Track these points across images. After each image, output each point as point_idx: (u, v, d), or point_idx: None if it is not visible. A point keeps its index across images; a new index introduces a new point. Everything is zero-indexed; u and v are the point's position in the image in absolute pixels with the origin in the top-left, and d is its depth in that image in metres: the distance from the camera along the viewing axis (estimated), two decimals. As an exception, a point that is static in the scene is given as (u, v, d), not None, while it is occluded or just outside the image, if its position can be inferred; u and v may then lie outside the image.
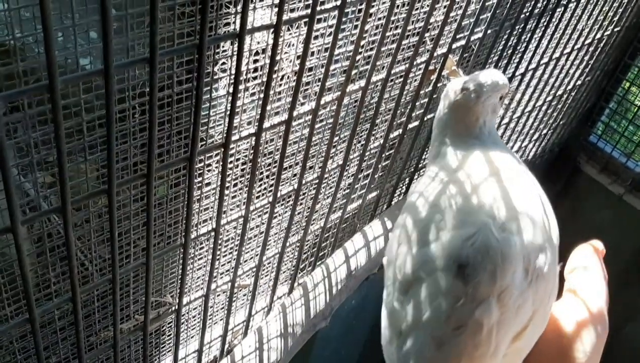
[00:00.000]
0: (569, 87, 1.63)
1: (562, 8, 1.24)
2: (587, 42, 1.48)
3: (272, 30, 0.66)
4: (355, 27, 0.87)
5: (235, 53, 0.65)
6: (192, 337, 1.09)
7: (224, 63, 0.76)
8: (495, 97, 0.55)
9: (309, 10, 0.68)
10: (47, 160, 0.75)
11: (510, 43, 1.19)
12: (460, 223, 0.40)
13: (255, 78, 0.81)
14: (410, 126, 1.10)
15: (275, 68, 0.78)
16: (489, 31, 1.08)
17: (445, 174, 0.45)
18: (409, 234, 0.43)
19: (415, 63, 0.97)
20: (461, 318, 0.38)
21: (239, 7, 0.61)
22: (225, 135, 0.70)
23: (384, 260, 0.47)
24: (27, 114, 0.59)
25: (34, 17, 0.62)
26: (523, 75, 1.33)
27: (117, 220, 0.85)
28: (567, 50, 1.43)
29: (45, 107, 0.63)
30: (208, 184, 0.88)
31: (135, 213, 0.84)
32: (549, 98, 1.57)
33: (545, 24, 1.24)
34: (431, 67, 1.03)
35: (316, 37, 0.84)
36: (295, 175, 0.96)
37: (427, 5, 0.91)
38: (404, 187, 1.32)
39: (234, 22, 0.75)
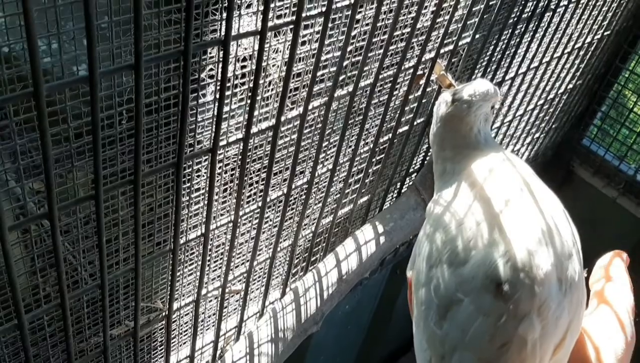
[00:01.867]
0: (561, 90, 1.64)
1: (551, 12, 1.25)
2: (577, 46, 1.50)
3: (257, 36, 0.67)
4: (343, 33, 0.88)
5: (221, 60, 0.65)
6: (184, 343, 1.09)
7: (211, 69, 0.77)
8: (487, 106, 0.56)
9: (294, 17, 0.69)
10: (37, 166, 0.76)
11: (499, 47, 1.20)
12: (492, 240, 0.40)
13: (243, 84, 0.82)
14: (400, 131, 1.11)
15: (263, 74, 0.79)
16: (477, 36, 1.09)
17: (463, 194, 0.45)
18: (441, 255, 0.42)
19: (403, 68, 0.98)
20: (505, 336, 0.38)
21: (225, 14, 0.62)
22: (212, 140, 0.71)
23: (409, 275, 0.46)
24: (13, 121, 0.60)
25: (20, 26, 0.63)
26: (513, 79, 1.34)
27: (106, 226, 0.86)
28: (557, 54, 1.44)
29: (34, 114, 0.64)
30: (197, 190, 0.89)
31: (124, 219, 0.84)
32: (541, 102, 1.57)
33: (534, 28, 1.25)
34: (420, 72, 1.04)
35: (304, 43, 0.85)
36: (285, 180, 0.96)
37: (414, 11, 0.92)
38: (395, 192, 1.32)
39: (220, 29, 0.76)
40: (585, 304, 0.44)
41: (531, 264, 0.39)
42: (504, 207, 0.42)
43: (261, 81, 0.83)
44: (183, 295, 0.98)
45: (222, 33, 0.63)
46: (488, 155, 0.50)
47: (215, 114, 0.68)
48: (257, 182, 0.96)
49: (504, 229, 0.40)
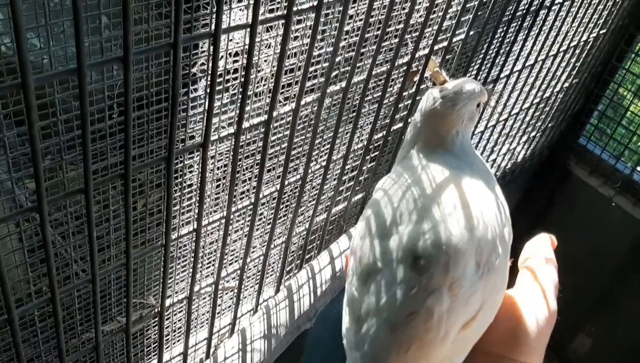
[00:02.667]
0: (556, 89, 1.64)
1: (546, 10, 1.25)
2: (573, 44, 1.50)
3: (248, 29, 0.67)
4: (336, 28, 0.88)
5: (212, 54, 0.65)
6: (177, 340, 1.09)
7: (203, 64, 0.77)
8: (472, 105, 0.55)
9: (286, 11, 0.69)
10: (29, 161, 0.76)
11: (494, 45, 1.20)
12: (419, 219, 0.43)
13: (235, 79, 0.82)
14: (394, 128, 1.11)
15: (254, 69, 0.79)
16: (471, 32, 1.09)
17: (409, 175, 0.48)
18: (371, 228, 0.46)
19: (396, 65, 0.98)
20: (414, 305, 0.41)
21: (215, 7, 0.62)
22: (203, 135, 0.71)
23: (349, 251, 0.48)
24: (1, 113, 0.59)
25: (9, 18, 0.62)
26: (508, 77, 1.34)
27: (98, 221, 0.85)
28: (553, 52, 1.44)
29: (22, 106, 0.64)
30: (190, 186, 0.89)
31: (116, 215, 0.84)
32: (536, 100, 1.57)
33: (529, 25, 1.25)
34: (414, 69, 1.04)
35: (296, 38, 0.85)
36: (278, 176, 0.96)
37: (408, 7, 0.92)
38: (390, 189, 1.32)
39: (211, 23, 0.76)
40: (505, 289, 0.47)
41: (450, 244, 0.42)
42: (438, 193, 0.45)
43: (253, 76, 0.83)
44: (176, 292, 0.98)
45: (213, 26, 0.63)
46: (453, 156, 0.50)
47: (206, 107, 0.68)
48: (249, 179, 0.96)
49: (432, 211, 0.43)
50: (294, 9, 0.70)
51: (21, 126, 0.72)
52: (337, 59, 0.87)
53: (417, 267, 0.41)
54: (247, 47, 0.74)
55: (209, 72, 0.74)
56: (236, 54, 0.80)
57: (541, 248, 0.56)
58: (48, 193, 0.61)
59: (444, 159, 0.49)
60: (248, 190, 0.97)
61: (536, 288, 0.51)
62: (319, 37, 0.75)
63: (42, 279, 0.89)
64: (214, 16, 0.62)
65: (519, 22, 1.21)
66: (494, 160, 1.65)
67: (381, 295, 0.42)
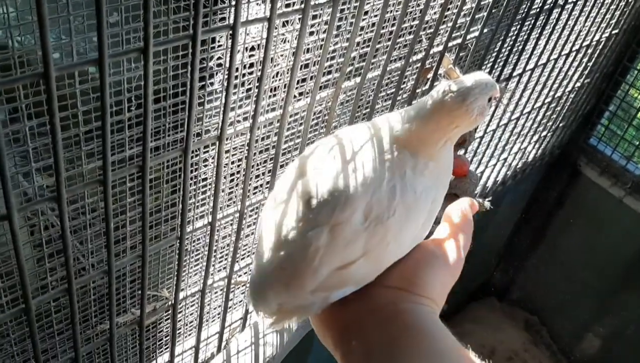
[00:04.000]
0: (568, 89, 1.64)
1: (559, 9, 1.25)
2: (585, 43, 1.49)
3: (265, 23, 0.67)
4: (351, 24, 0.88)
5: (230, 47, 0.66)
6: (189, 334, 1.10)
7: (219, 58, 0.77)
8: (483, 99, 0.55)
9: (303, 5, 0.69)
10: (44, 160, 0.76)
11: (507, 43, 1.20)
12: (326, 168, 0.49)
13: (251, 73, 0.82)
14: (406, 124, 1.11)
15: (270, 63, 0.79)
16: (485, 30, 1.09)
17: (351, 134, 0.53)
18: (289, 172, 0.52)
19: (411, 61, 0.98)
20: (296, 235, 0.47)
21: (234, 2, 0.62)
22: (220, 128, 0.71)
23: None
24: (23, 104, 0.60)
25: (31, 11, 0.63)
26: (521, 75, 1.34)
27: (113, 213, 0.86)
28: (566, 51, 1.44)
29: (43, 96, 0.64)
30: (204, 179, 0.89)
31: (132, 208, 0.85)
32: (548, 100, 1.57)
33: (542, 25, 1.25)
34: (427, 66, 1.04)
35: (312, 33, 0.85)
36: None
37: (423, 4, 0.92)
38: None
39: (229, 18, 0.76)
40: (401, 246, 0.50)
41: (341, 193, 0.47)
42: (360, 156, 0.50)
43: (269, 70, 0.83)
44: (189, 285, 0.98)
45: (231, 19, 0.63)
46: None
47: (223, 101, 0.69)
48: (263, 174, 0.96)
49: (342, 166, 0.49)
50: (312, 3, 0.71)
51: (31, 120, 0.73)
52: (352, 55, 0.87)
53: (309, 205, 0.47)
54: (264, 41, 0.75)
55: (227, 65, 0.74)
56: (252, 49, 0.80)
57: (462, 209, 0.58)
58: (64, 184, 0.61)
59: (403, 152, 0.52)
60: (261, 185, 0.97)
61: (448, 237, 0.54)
62: (334, 32, 0.76)
63: (51, 273, 0.90)
64: (233, 9, 0.63)
65: (533, 21, 1.21)
66: (505, 159, 1.65)
67: (278, 220, 0.48)
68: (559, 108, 1.69)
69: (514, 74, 1.31)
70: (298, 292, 0.47)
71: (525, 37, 1.24)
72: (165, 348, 1.08)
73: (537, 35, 1.27)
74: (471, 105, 0.53)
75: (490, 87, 0.55)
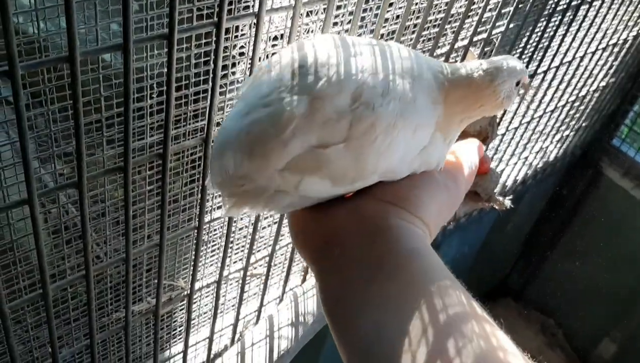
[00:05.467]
0: (593, 88, 1.61)
1: (587, 6, 1.23)
2: (611, 42, 1.46)
3: (290, 12, 0.66)
4: (376, 15, 0.87)
5: (253, 35, 0.65)
6: (203, 325, 1.09)
7: (242, 47, 0.76)
8: (512, 83, 0.53)
9: (328, -6, 0.68)
10: (65, 151, 0.76)
11: (532, 39, 1.17)
12: (329, 47, 0.45)
13: (273, 64, 0.81)
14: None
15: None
16: (511, 25, 1.07)
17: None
18: (294, 45, 0.47)
19: (435, 55, 0.96)
20: (272, 99, 0.42)
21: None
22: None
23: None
24: (47, 87, 0.60)
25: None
26: (545, 73, 1.31)
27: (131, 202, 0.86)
28: (591, 49, 1.41)
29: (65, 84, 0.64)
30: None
31: (149, 196, 0.84)
32: (572, 98, 1.54)
33: (568, 21, 1.23)
34: (452, 61, 1.02)
35: (335, 24, 0.84)
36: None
37: (449, -4, 0.90)
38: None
39: (253, 6, 0.75)
40: (379, 141, 0.44)
41: (331, 66, 0.43)
42: (364, 48, 0.46)
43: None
44: (205, 276, 0.98)
45: (256, 7, 0.62)
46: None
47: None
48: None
49: (349, 49, 0.45)
50: (337, -7, 0.70)
51: (43, 107, 0.73)
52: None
53: (294, 73, 0.43)
54: (287, 30, 0.74)
55: (250, 54, 0.73)
56: (275, 38, 0.79)
57: (467, 143, 0.55)
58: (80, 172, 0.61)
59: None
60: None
61: (450, 165, 0.50)
62: (358, 23, 0.74)
63: (66, 260, 0.90)
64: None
65: (560, 17, 1.18)
66: (526, 158, 1.63)
67: (258, 85, 0.44)
68: (582, 107, 1.67)
69: (539, 71, 1.28)
70: (263, 164, 0.42)
71: (552, 33, 1.21)
72: (179, 339, 1.08)
73: (563, 32, 1.24)
74: (499, 87, 0.51)
75: (519, 71, 0.53)
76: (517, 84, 0.54)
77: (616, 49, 1.52)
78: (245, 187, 0.43)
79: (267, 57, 0.81)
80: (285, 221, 1.02)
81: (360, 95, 0.42)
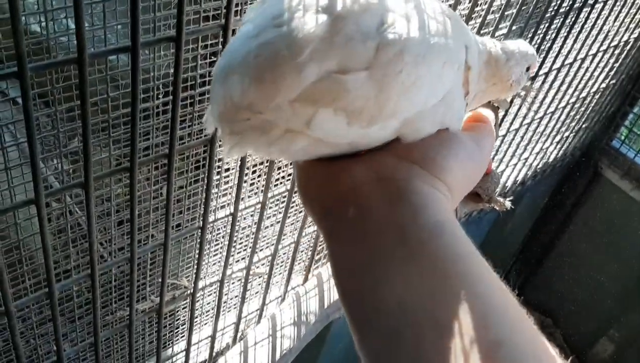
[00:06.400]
0: (593, 89, 1.61)
1: (589, 8, 1.23)
2: (612, 44, 1.47)
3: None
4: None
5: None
6: (205, 323, 1.10)
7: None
8: (522, 66, 0.53)
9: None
10: (64, 146, 0.77)
11: (535, 41, 1.18)
12: None
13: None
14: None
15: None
16: (514, 27, 1.07)
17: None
18: None
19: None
20: (287, 19, 0.36)
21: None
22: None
23: None
24: (56, 88, 0.60)
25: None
26: (547, 74, 1.32)
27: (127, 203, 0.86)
28: (593, 51, 1.41)
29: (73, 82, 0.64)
30: (227, 170, 0.89)
31: (153, 196, 0.85)
32: (572, 100, 1.55)
33: (570, 23, 1.23)
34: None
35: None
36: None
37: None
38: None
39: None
40: (404, 76, 0.38)
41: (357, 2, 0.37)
42: None
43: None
44: (208, 275, 0.99)
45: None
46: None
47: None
48: (286, 165, 0.96)
49: None
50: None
51: (49, 107, 0.73)
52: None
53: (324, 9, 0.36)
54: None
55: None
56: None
57: (488, 111, 0.51)
58: (81, 172, 0.61)
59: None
60: (283, 177, 0.97)
61: (476, 133, 0.46)
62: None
63: (68, 260, 0.90)
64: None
65: (561, 19, 1.19)
66: (526, 159, 1.63)
67: (271, 4, 0.38)
68: (582, 108, 1.67)
69: (540, 72, 1.29)
70: (273, 92, 0.36)
71: (554, 35, 1.22)
72: (182, 337, 1.09)
73: (565, 34, 1.25)
74: (512, 69, 0.51)
75: (530, 55, 0.53)
76: (528, 69, 0.55)
77: (617, 51, 1.52)
78: (251, 121, 0.37)
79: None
80: (288, 220, 1.03)
81: (390, 19, 0.37)
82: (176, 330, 1.06)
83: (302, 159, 0.42)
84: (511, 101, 1.09)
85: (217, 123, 0.39)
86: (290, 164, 0.98)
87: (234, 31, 0.64)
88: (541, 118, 1.48)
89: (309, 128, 0.37)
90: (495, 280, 0.37)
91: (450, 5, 0.92)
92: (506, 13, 1.03)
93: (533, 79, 1.30)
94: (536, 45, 1.20)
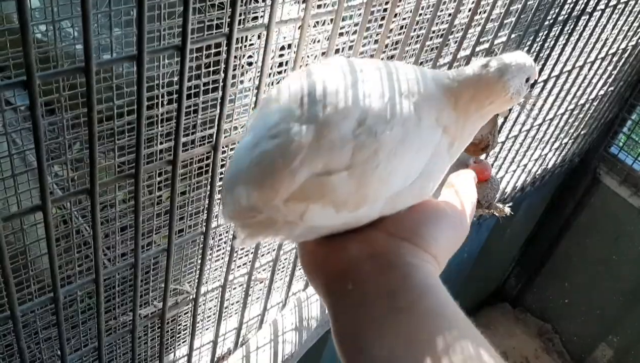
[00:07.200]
0: (592, 96, 1.62)
1: (587, 16, 1.24)
2: (610, 51, 1.48)
3: (298, 23, 0.68)
4: (380, 26, 0.88)
5: (262, 46, 0.66)
6: (207, 329, 1.10)
7: (250, 56, 0.78)
8: (521, 78, 0.54)
9: (336, 7, 0.70)
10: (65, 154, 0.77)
11: (534, 49, 1.19)
12: (336, 73, 0.46)
13: (279, 73, 0.83)
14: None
15: (300, 63, 0.80)
16: (512, 35, 1.08)
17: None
18: (303, 71, 0.48)
19: (438, 64, 0.98)
20: (280, 131, 0.43)
21: (268, 1, 0.63)
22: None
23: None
24: (62, 96, 0.61)
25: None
26: (545, 82, 1.33)
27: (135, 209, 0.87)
28: (591, 59, 1.43)
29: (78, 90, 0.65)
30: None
31: (156, 202, 0.86)
32: (571, 107, 1.56)
33: (569, 31, 1.25)
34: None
35: (341, 34, 0.85)
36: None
37: (452, 8, 0.92)
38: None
39: (262, 17, 0.77)
40: (381, 168, 0.45)
41: (338, 94, 0.44)
42: (364, 65, 0.47)
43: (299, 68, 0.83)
44: (210, 280, 0.99)
45: (266, 19, 0.64)
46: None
47: (254, 98, 0.69)
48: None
49: (355, 74, 0.46)
50: (344, 4, 0.71)
51: (52, 115, 0.74)
52: (380, 57, 0.87)
53: (301, 101, 0.44)
54: (296, 41, 0.75)
55: (259, 64, 0.75)
56: (282, 48, 0.81)
57: (466, 178, 0.56)
58: (84, 179, 0.62)
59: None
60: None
61: (456, 202, 0.51)
62: (364, 33, 0.76)
63: (69, 267, 0.91)
64: (268, 9, 0.63)
65: (560, 27, 1.20)
66: (525, 165, 1.64)
67: (265, 116, 0.45)
68: (581, 115, 1.68)
69: (539, 80, 1.30)
70: (271, 196, 0.43)
71: (552, 43, 1.23)
72: (184, 342, 1.09)
73: (563, 42, 1.26)
74: (508, 83, 0.52)
75: (528, 67, 0.54)
76: (527, 80, 0.55)
77: (615, 59, 1.54)
78: (257, 218, 0.44)
79: (272, 67, 0.83)
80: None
81: (364, 121, 0.43)
82: (178, 335, 1.07)
83: (305, 240, 0.48)
84: (510, 108, 1.10)
85: (229, 221, 0.46)
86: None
87: (237, 40, 0.65)
88: (540, 125, 1.49)
89: (303, 220, 0.44)
90: (478, 337, 0.42)
91: (449, 15, 0.94)
92: (505, 21, 1.04)
93: (532, 86, 1.31)
94: (535, 53, 1.21)
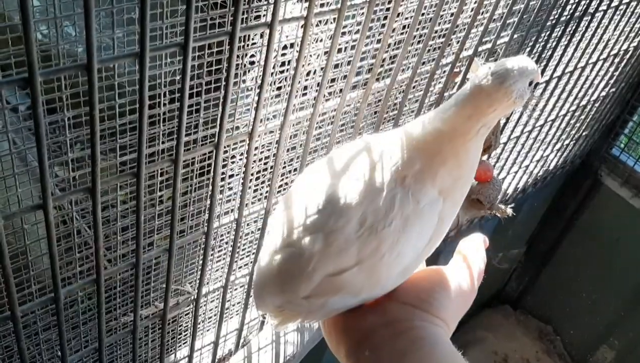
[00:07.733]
0: (593, 98, 1.62)
1: (589, 17, 1.24)
2: (612, 52, 1.48)
3: (301, 22, 0.67)
4: (383, 25, 0.88)
5: (265, 45, 0.66)
6: (208, 330, 1.10)
7: (252, 55, 0.77)
8: (524, 83, 0.54)
9: (339, 5, 0.69)
10: (65, 153, 0.77)
11: (536, 49, 1.19)
12: (329, 178, 0.51)
13: (281, 72, 0.82)
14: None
15: (302, 63, 0.79)
16: (515, 36, 1.08)
17: (369, 141, 0.53)
18: (304, 178, 0.54)
19: (440, 64, 0.98)
20: (291, 242, 0.49)
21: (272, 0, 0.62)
22: (252, 125, 0.71)
23: None
24: (64, 94, 0.60)
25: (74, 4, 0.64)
26: (547, 82, 1.33)
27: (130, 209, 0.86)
28: (593, 60, 1.42)
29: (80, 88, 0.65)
30: (232, 176, 0.89)
31: (158, 202, 0.85)
32: (573, 108, 1.56)
33: (571, 32, 1.24)
34: (456, 70, 1.03)
35: (344, 34, 0.85)
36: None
37: (455, 7, 0.91)
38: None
39: (265, 16, 0.77)
40: (400, 260, 0.51)
41: (339, 201, 0.49)
42: (360, 162, 0.51)
43: (302, 69, 0.83)
44: (211, 281, 0.99)
45: (269, 17, 0.64)
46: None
47: (257, 98, 0.69)
48: (289, 172, 0.96)
49: (346, 175, 0.51)
50: (347, 3, 0.71)
51: (52, 114, 0.73)
52: (383, 56, 0.87)
53: (308, 212, 0.49)
54: (298, 40, 0.75)
55: (262, 63, 0.74)
56: (285, 47, 0.80)
57: (475, 244, 0.60)
58: (85, 179, 0.61)
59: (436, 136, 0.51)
60: (287, 184, 0.98)
61: (463, 268, 0.56)
62: (367, 32, 0.76)
63: (70, 267, 0.91)
64: (271, 7, 0.63)
65: (562, 28, 1.20)
66: (527, 166, 1.64)
67: (280, 225, 0.50)
68: (583, 116, 1.68)
69: (541, 81, 1.30)
70: (293, 297, 0.49)
71: (554, 44, 1.23)
72: (185, 343, 1.09)
73: (565, 43, 1.26)
74: (510, 88, 0.52)
75: (530, 70, 0.53)
76: (530, 83, 0.55)
77: (617, 60, 1.53)
78: (284, 311, 0.51)
79: (274, 66, 0.83)
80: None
81: (365, 221, 0.48)
82: (179, 336, 1.07)
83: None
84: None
85: (263, 313, 0.53)
86: (295, 170, 0.99)
87: (240, 38, 0.64)
88: (542, 126, 1.49)
89: (325, 308, 0.50)
90: None
91: (452, 15, 0.93)
92: (508, 22, 1.04)
93: (534, 87, 1.31)
94: (537, 54, 1.21)
